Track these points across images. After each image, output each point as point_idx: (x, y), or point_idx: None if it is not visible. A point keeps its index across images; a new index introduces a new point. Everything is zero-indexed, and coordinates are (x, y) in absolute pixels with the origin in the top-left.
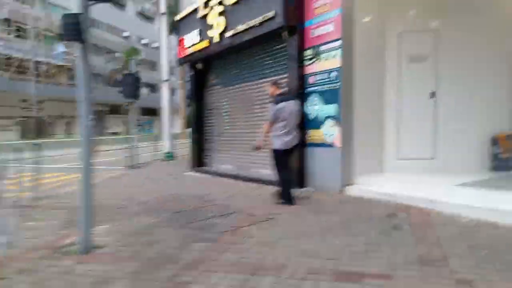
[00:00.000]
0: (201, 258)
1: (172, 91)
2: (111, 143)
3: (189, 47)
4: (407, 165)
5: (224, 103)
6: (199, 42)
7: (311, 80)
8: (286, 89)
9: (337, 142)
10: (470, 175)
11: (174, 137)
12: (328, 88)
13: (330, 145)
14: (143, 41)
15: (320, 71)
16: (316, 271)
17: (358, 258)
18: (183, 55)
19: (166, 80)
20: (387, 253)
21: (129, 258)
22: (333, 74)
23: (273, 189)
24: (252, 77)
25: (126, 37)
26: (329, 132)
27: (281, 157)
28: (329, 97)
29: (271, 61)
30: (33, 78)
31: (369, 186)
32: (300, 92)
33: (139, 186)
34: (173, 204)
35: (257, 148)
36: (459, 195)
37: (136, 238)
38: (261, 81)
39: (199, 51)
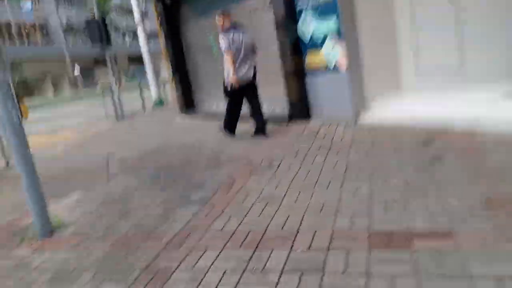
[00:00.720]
0: (188, 230)
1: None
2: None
3: None
4: (429, 81)
5: (206, 36)
6: None
7: None
8: (234, 21)
9: (342, 64)
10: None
11: (164, 82)
12: (323, 1)
13: (333, 69)
14: None
15: None
16: (341, 236)
17: (397, 209)
18: None
19: (139, 23)
20: (434, 196)
21: (98, 238)
22: None
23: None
24: (229, 1)
25: None
26: (331, 53)
27: (234, 91)
28: (324, 9)
29: None
30: (6, 39)
31: (388, 110)
32: (290, 11)
33: (122, 141)
34: (158, 159)
35: (235, 84)
36: (506, 107)
37: (110, 208)
38: (240, 4)
39: None
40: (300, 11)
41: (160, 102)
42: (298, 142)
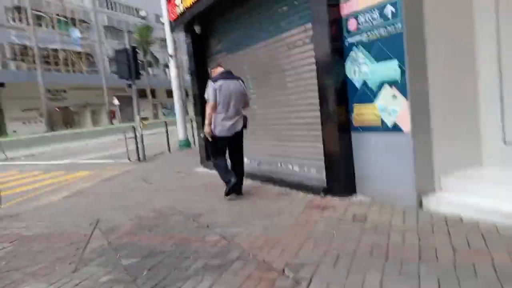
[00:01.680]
0: None
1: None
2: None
3: (179, 4)
4: None
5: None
6: None
7: (351, 24)
8: (228, 69)
9: (404, 123)
10: None
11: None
12: (382, 35)
13: (392, 128)
14: (162, 19)
15: (367, 8)
16: None
17: None
18: (174, 17)
19: (171, 56)
20: None
21: None
22: (389, 10)
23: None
24: (263, 34)
25: (143, 17)
26: (389, 107)
27: (219, 144)
28: (384, 49)
29: (288, 8)
30: (52, 67)
31: (467, 194)
32: (336, 47)
33: (127, 195)
34: (153, 234)
35: (208, 136)
36: None
37: None
38: (276, 38)
39: (192, 6)
40: (350, 47)
41: (186, 144)
42: (338, 234)
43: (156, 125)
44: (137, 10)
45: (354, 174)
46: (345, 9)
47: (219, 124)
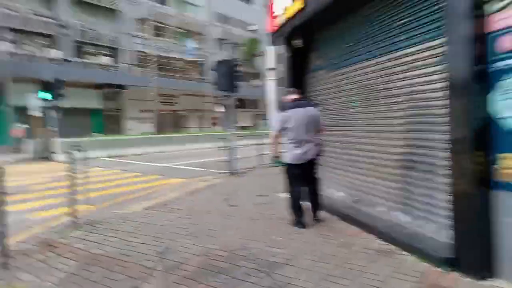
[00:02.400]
0: None
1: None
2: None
3: (280, 14)
4: None
5: (333, 95)
6: (291, 4)
7: (504, 43)
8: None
9: None
10: None
11: None
12: None
13: None
14: None
15: None
16: None
17: None
18: (274, 29)
19: (271, 69)
20: None
21: None
22: None
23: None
24: (374, 50)
25: (253, 31)
26: None
27: (292, 173)
28: None
29: (409, 20)
30: (168, 73)
31: None
32: (478, 72)
33: (203, 217)
34: (221, 278)
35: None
36: None
37: None
38: (390, 56)
39: (293, 17)
40: (499, 73)
41: (279, 161)
42: None
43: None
44: (247, 24)
45: (494, 248)
46: (496, 23)
47: (291, 151)
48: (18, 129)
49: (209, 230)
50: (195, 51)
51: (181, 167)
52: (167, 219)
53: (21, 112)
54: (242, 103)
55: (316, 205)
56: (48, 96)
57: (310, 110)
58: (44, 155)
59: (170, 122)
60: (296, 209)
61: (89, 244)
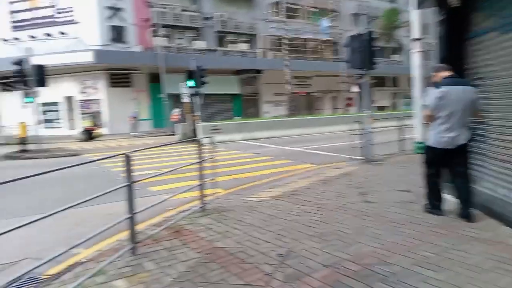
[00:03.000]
0: None
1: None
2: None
3: None
4: None
5: (508, 64)
6: None
7: None
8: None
9: None
10: None
11: None
12: None
13: None
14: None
15: None
16: None
17: None
18: None
19: (417, 39)
20: None
21: None
22: None
23: None
24: None
25: (392, 1)
26: None
27: (434, 158)
28: None
29: None
30: (302, 55)
31: None
32: None
33: (333, 215)
34: None
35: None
36: None
37: None
38: None
39: None
40: None
41: (424, 148)
42: None
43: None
44: None
45: None
46: None
47: (437, 135)
48: (174, 114)
49: (340, 233)
50: (329, 29)
51: (313, 151)
52: (294, 212)
53: (175, 99)
54: (379, 81)
55: (467, 202)
56: (193, 83)
57: (469, 90)
58: (191, 137)
59: (304, 104)
60: (433, 193)
61: (213, 235)
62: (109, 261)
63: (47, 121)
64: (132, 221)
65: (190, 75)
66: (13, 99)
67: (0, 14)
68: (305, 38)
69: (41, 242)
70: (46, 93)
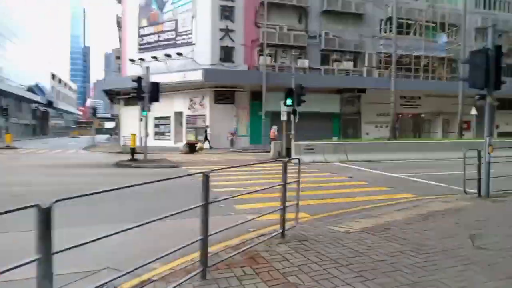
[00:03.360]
0: None
1: None
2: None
3: None
4: None
5: None
6: None
7: None
8: None
9: None
10: None
11: None
12: None
13: None
14: None
15: None
16: None
17: None
18: None
19: None
20: None
21: None
22: None
23: None
24: None
25: None
26: None
27: None
28: None
29: None
30: (412, 73)
31: None
32: None
33: (432, 262)
34: None
35: None
36: None
37: None
38: None
39: None
40: None
41: None
42: None
43: None
44: None
45: None
46: None
47: None
48: (273, 131)
49: (440, 285)
50: (446, 46)
51: (416, 179)
52: (385, 251)
53: (274, 117)
54: (504, 104)
55: None
56: (290, 102)
57: None
58: (283, 156)
59: (410, 127)
60: None
61: (288, 268)
62: (177, 284)
63: (158, 133)
64: (204, 243)
65: (289, 93)
66: (132, 112)
67: (131, 38)
68: (417, 56)
69: (124, 252)
70: (160, 108)
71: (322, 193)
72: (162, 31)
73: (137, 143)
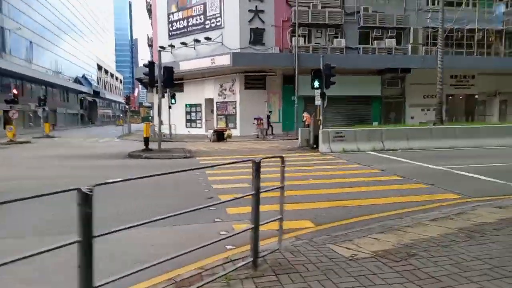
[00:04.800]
0: None
1: None
2: None
3: None
4: None
5: None
6: None
7: None
8: None
9: None
10: None
11: None
12: None
13: None
14: None
15: None
16: None
17: None
18: None
19: None
20: None
21: None
22: None
23: None
24: None
25: None
26: None
27: None
28: None
29: None
30: (464, 49)
31: None
32: None
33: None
34: None
35: None
36: None
37: None
38: None
39: None
40: None
41: None
42: None
43: None
44: None
45: None
46: None
47: None
48: (307, 116)
49: None
50: (505, 17)
51: (463, 173)
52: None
53: (307, 101)
54: None
55: None
56: (318, 84)
57: None
58: (310, 145)
59: (462, 109)
60: None
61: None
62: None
63: (189, 121)
64: (255, 233)
65: (316, 74)
66: (164, 100)
67: (161, 25)
68: (469, 29)
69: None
70: (191, 95)
71: (341, 191)
72: (191, 16)
73: (167, 131)
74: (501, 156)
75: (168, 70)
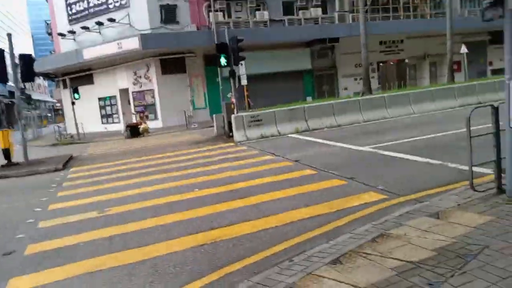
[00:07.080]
0: None
1: None
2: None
3: None
4: None
5: None
6: None
7: None
8: None
9: None
10: None
11: None
12: None
13: None
14: None
15: None
16: None
17: None
18: None
19: None
20: None
21: None
22: None
23: None
24: None
25: None
26: None
27: None
28: None
29: None
30: (390, 14)
31: None
32: None
33: None
34: None
35: None
36: None
37: None
38: None
39: None
40: None
41: None
42: None
43: None
44: None
45: None
46: None
47: None
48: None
49: None
50: None
51: (390, 153)
52: None
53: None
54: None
55: None
56: (225, 61)
57: None
58: (226, 133)
59: (394, 75)
60: None
61: None
62: None
63: (104, 116)
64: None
65: (222, 49)
66: (65, 96)
67: (59, 9)
68: None
69: None
70: (103, 87)
71: (220, 210)
72: None
73: (75, 131)
74: (435, 123)
75: (26, 59)
